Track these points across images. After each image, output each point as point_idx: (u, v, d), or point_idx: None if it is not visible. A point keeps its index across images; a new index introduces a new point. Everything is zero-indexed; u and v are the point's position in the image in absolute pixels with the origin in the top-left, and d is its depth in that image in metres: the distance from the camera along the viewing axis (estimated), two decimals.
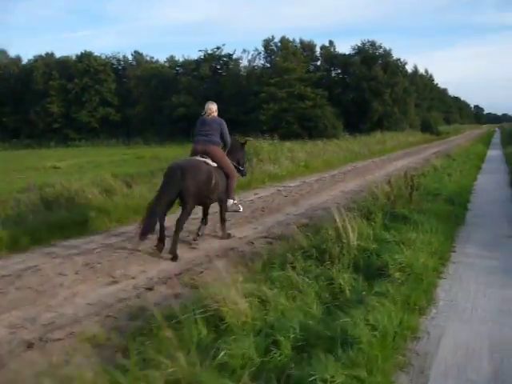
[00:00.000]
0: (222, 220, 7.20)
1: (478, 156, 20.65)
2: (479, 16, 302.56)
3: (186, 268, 5.57)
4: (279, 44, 54.64)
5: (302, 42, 56.73)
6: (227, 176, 6.99)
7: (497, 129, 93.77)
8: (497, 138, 50.94)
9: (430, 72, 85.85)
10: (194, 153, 6.85)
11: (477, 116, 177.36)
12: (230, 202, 7.35)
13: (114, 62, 68.79)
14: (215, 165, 6.75)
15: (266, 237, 7.16)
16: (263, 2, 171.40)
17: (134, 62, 66.20)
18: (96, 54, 62.35)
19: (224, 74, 57.85)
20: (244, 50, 57.58)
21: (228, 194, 7.15)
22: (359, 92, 50.30)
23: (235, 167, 7.48)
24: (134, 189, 9.94)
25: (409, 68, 66.62)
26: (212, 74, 56.36)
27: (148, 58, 68.42)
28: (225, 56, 57.62)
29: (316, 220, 7.65)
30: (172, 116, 54.37)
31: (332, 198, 10.30)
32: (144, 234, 5.93)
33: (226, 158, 7.12)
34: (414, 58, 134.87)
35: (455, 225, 7.40)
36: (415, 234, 5.87)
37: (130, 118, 59.65)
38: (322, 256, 5.12)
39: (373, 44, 53.59)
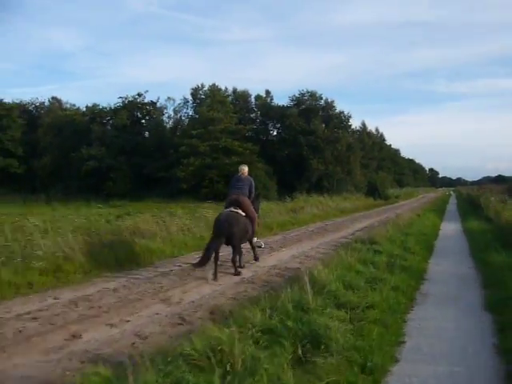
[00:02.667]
0: (237, 255, 8.88)
1: (424, 241, 12.43)
2: (432, 85, 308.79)
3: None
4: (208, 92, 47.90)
5: (235, 92, 50.15)
6: (251, 221, 9.05)
7: (452, 192, 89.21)
8: (453, 204, 44.55)
9: (380, 131, 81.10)
10: (229, 201, 9.01)
11: (432, 179, 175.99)
12: (255, 239, 9.73)
13: (32, 108, 61.56)
14: (244, 214, 8.83)
15: None
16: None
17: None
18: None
19: (145, 124, 50.49)
20: (168, 98, 50.35)
21: (252, 234, 9.30)
22: (296, 148, 43.40)
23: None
24: None
25: (356, 125, 61.15)
26: (131, 123, 48.62)
27: (68, 106, 60.88)
28: (147, 104, 50.20)
29: None
30: (81, 170, 45.93)
31: None
32: (201, 264, 8.18)
33: (251, 206, 9.17)
34: (367, 122, 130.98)
35: None
36: None
37: (36, 170, 51.21)
38: None
39: (313, 95, 47.24)
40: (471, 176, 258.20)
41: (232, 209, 8.75)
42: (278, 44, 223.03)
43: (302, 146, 43.00)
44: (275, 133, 48.32)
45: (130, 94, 49.45)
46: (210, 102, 44.26)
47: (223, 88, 48.96)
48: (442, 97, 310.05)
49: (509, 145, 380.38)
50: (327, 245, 12.06)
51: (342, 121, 47.39)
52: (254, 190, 9.42)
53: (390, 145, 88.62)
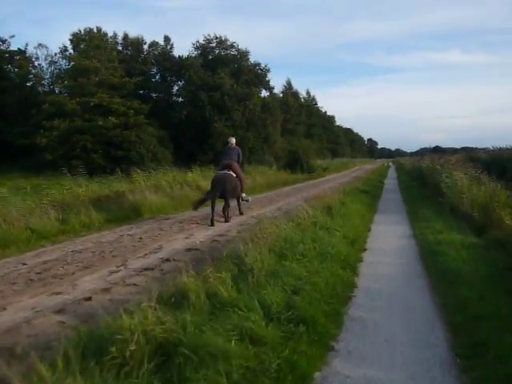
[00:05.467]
0: (228, 206, 11.82)
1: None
2: (371, 58, 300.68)
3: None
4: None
5: (125, 38, 39.77)
6: (240, 181, 12.07)
7: (391, 164, 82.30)
8: (392, 179, 36.58)
9: (312, 94, 72.61)
10: (223, 165, 11.96)
11: (371, 150, 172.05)
12: (243, 195, 12.67)
13: None
14: (235, 175, 11.75)
15: None
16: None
17: None
18: None
19: (10, 77, 39.36)
20: (40, 45, 39.23)
21: (241, 191, 12.31)
22: (197, 108, 33.88)
23: None
24: None
25: (280, 83, 52.14)
26: None
27: None
28: (13, 52, 38.98)
29: None
30: None
31: None
32: (197, 206, 11.44)
33: (240, 169, 12.39)
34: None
35: None
36: None
37: None
38: None
39: (222, 42, 37.58)
40: (409, 147, 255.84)
41: (226, 171, 11.64)
42: (217, 13, 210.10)
43: (204, 104, 33.55)
44: (169, 88, 38.38)
45: None
46: (86, 48, 33.96)
47: (111, 33, 38.72)
48: (381, 69, 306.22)
49: (444, 117, 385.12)
50: None
51: (257, 75, 38.02)
52: (241, 157, 12.63)
53: (325, 111, 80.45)
